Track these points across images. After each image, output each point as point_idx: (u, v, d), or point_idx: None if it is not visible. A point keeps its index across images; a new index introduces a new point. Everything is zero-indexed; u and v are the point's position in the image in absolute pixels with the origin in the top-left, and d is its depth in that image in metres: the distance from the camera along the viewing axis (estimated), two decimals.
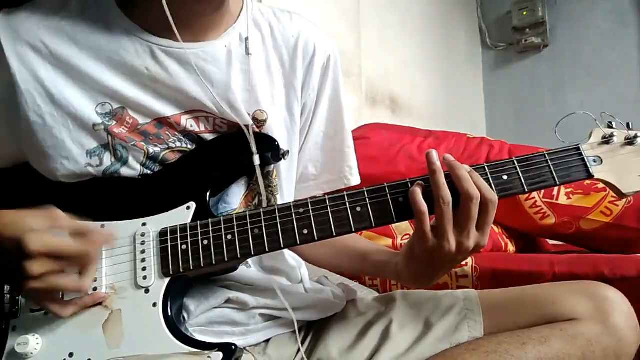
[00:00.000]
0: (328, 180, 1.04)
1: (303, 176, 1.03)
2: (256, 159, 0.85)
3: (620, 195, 0.82)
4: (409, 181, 0.79)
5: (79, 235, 0.74)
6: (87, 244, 0.74)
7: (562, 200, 1.72)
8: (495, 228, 1.78)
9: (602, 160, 0.81)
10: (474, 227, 0.76)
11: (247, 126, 0.86)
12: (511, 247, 1.79)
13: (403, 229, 1.71)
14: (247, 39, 0.90)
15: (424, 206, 0.75)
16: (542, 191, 1.74)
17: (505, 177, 0.79)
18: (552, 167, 0.80)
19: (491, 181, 0.79)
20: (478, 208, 0.75)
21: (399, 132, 2.07)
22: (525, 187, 0.79)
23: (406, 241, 0.87)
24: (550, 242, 1.97)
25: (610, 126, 0.83)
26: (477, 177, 0.76)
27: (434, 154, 0.77)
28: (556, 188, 1.74)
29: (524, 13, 3.47)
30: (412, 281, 0.87)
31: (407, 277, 0.87)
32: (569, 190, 1.73)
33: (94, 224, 0.81)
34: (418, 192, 0.76)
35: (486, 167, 0.80)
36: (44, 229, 0.71)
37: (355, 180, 1.06)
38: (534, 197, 1.74)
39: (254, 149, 0.85)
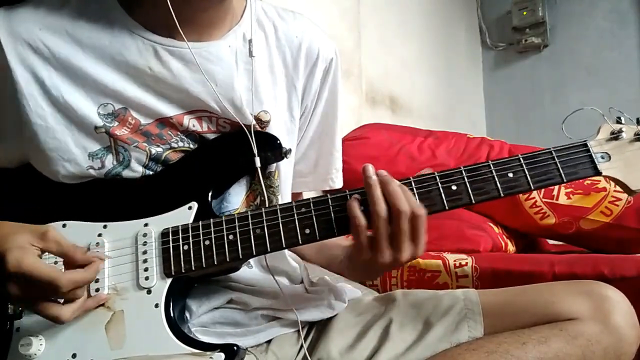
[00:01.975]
0: (315, 179, 1.07)
1: (295, 172, 1.03)
2: (257, 161, 0.86)
3: (629, 192, 0.80)
4: (413, 179, 0.79)
5: (66, 260, 0.74)
6: (63, 276, 0.71)
7: (562, 200, 1.73)
8: (495, 228, 1.78)
9: (610, 157, 0.80)
10: (408, 240, 0.76)
11: (248, 127, 0.86)
12: (511, 247, 1.79)
13: None
14: (250, 40, 0.90)
15: (361, 219, 0.76)
16: (542, 191, 1.74)
17: (510, 175, 0.78)
18: (558, 164, 0.78)
19: (496, 179, 0.78)
20: (408, 222, 0.75)
21: (399, 132, 2.07)
22: (532, 185, 0.78)
23: None
24: (550, 242, 1.97)
25: (619, 121, 0.82)
26: (406, 191, 0.76)
27: (370, 168, 0.77)
28: (556, 188, 1.74)
29: (524, 13, 3.47)
30: (353, 279, 0.96)
31: (348, 275, 0.95)
32: (569, 190, 1.73)
33: (95, 224, 0.81)
34: (355, 205, 0.77)
35: (491, 165, 0.79)
36: (30, 248, 0.71)
37: (339, 183, 1.09)
38: (534, 197, 1.75)
39: (255, 150, 0.86)
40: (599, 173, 0.79)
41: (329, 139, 1.04)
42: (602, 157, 0.80)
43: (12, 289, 0.69)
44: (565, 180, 0.79)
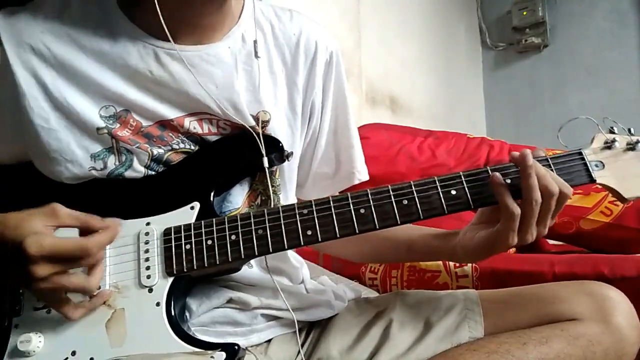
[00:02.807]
0: (342, 177, 1.04)
1: (318, 176, 1.03)
2: (265, 161, 0.85)
3: (622, 200, 0.83)
4: (413, 183, 0.80)
5: (83, 229, 0.74)
6: (88, 239, 0.73)
7: None
8: None
9: (604, 165, 0.82)
10: (550, 218, 0.78)
11: (253, 128, 0.86)
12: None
13: None
14: (255, 41, 0.90)
15: (518, 209, 0.76)
16: None
17: (508, 181, 0.79)
18: (555, 172, 0.80)
19: None
20: (556, 202, 0.77)
21: (399, 132, 2.07)
22: None
23: None
24: (550, 242, 1.97)
25: (612, 131, 0.84)
26: (553, 174, 0.78)
27: (529, 155, 0.77)
28: None
29: (524, 13, 3.48)
30: (469, 261, 0.92)
31: (465, 259, 0.93)
32: None
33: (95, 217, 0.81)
34: (508, 195, 0.77)
35: (489, 171, 0.80)
36: (46, 230, 0.71)
37: (365, 174, 1.06)
38: None
39: (263, 150, 0.85)
40: (593, 181, 0.82)
41: (345, 133, 1.03)
42: (597, 166, 0.82)
43: (39, 271, 0.68)
44: None
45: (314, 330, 0.96)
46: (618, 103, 3.10)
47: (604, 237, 1.69)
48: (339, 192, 1.04)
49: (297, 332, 0.91)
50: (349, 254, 1.07)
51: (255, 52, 0.90)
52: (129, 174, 0.83)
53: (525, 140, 2.26)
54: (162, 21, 0.80)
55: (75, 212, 0.74)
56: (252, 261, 0.91)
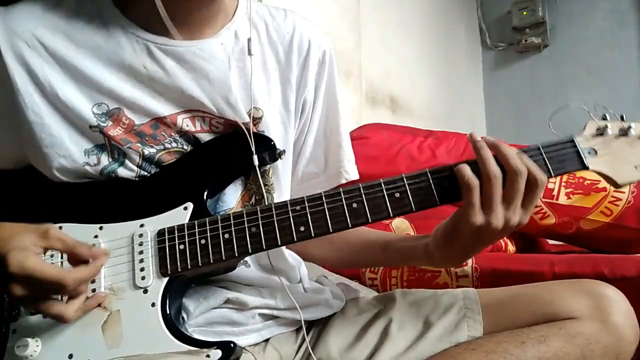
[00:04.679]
0: (329, 176, 1.04)
1: (306, 175, 1.03)
2: (255, 159, 0.85)
3: (616, 185, 0.82)
4: (405, 176, 0.79)
5: (70, 256, 0.74)
6: (67, 276, 0.71)
7: (562, 200, 1.72)
8: None
9: (596, 152, 0.81)
10: (520, 203, 0.76)
11: (245, 125, 0.86)
12: (511, 247, 1.78)
13: (403, 229, 1.71)
14: (249, 39, 0.91)
15: (474, 179, 0.75)
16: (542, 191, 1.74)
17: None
18: (546, 159, 0.80)
19: None
20: (524, 184, 0.75)
21: (399, 132, 2.07)
22: None
23: None
24: (550, 242, 1.97)
25: (604, 118, 0.84)
26: (524, 156, 0.77)
27: (475, 134, 0.78)
28: (556, 188, 1.74)
29: (524, 13, 3.48)
30: (445, 261, 0.88)
31: (440, 257, 0.86)
32: (569, 190, 1.73)
33: (91, 226, 0.81)
34: (467, 167, 0.76)
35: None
36: (33, 248, 0.70)
37: (354, 174, 1.05)
38: None
39: (253, 148, 0.85)
40: (586, 167, 0.81)
41: (334, 132, 1.03)
42: (589, 152, 0.81)
43: (16, 290, 0.69)
44: (553, 175, 0.80)
45: (313, 330, 0.96)
46: (618, 103, 3.10)
47: (604, 237, 1.69)
48: None
49: (304, 329, 0.90)
50: (329, 259, 1.07)
51: (249, 50, 0.90)
52: (122, 171, 0.83)
53: (525, 140, 2.24)
54: (165, 14, 0.81)
55: (67, 237, 0.74)
56: (250, 260, 0.91)
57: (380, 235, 1.00)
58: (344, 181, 1.04)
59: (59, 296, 0.73)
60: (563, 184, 1.74)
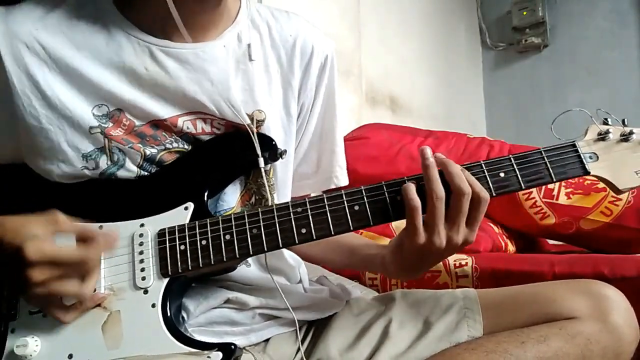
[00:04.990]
0: (318, 180, 1.06)
1: (297, 175, 1.03)
2: (261, 162, 0.86)
3: (616, 191, 0.82)
4: (407, 179, 0.79)
5: (81, 239, 0.75)
6: (88, 249, 0.74)
7: (562, 200, 1.72)
8: (495, 228, 1.78)
9: (597, 157, 0.81)
10: (464, 222, 0.76)
11: (248, 126, 0.86)
12: (511, 247, 1.78)
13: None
14: (249, 45, 0.90)
15: (417, 201, 0.76)
16: (542, 191, 1.74)
17: (502, 175, 0.79)
18: (548, 164, 0.80)
19: (488, 178, 0.79)
20: (469, 204, 0.75)
21: (399, 132, 2.07)
22: (522, 184, 0.80)
23: None
24: (550, 242, 1.97)
25: (605, 123, 0.84)
26: (469, 175, 0.77)
27: (428, 150, 0.77)
28: (556, 188, 1.74)
29: (524, 13, 3.48)
30: (399, 274, 0.90)
31: (394, 270, 0.87)
32: (569, 190, 1.73)
33: (93, 225, 0.81)
34: (412, 187, 0.77)
35: (483, 165, 0.80)
36: (45, 235, 0.71)
37: (344, 180, 1.07)
38: (534, 197, 1.74)
39: (259, 150, 0.85)
40: (587, 172, 0.81)
41: (329, 137, 1.04)
42: (590, 157, 0.81)
43: (37, 276, 0.69)
44: (554, 180, 0.80)
45: (312, 330, 0.96)
46: (618, 103, 3.10)
47: (604, 237, 1.68)
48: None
49: (298, 330, 0.90)
50: (309, 257, 1.07)
51: (249, 55, 0.90)
52: (121, 173, 0.83)
53: (525, 140, 2.25)
54: (179, 18, 0.81)
55: (76, 222, 0.75)
56: (250, 260, 0.91)
57: (352, 240, 1.02)
58: (333, 186, 1.05)
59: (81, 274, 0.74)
60: (563, 184, 1.74)
